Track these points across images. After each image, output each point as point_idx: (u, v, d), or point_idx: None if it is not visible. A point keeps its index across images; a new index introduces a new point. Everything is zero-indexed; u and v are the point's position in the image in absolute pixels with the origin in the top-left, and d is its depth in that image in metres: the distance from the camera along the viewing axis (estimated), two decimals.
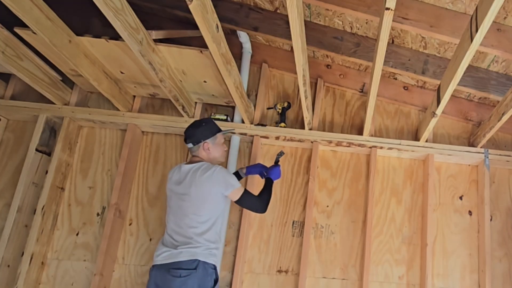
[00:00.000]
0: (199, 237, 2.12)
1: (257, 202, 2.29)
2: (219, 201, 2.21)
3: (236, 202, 2.25)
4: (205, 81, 2.66)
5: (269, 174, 2.48)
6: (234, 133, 2.81)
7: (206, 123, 2.33)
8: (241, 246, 2.66)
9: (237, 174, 2.55)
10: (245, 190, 2.26)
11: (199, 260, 2.08)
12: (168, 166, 2.91)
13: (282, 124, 2.85)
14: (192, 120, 2.84)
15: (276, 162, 2.58)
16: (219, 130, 2.36)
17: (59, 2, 2.35)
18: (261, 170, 2.55)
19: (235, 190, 2.20)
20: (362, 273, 2.65)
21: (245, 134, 2.84)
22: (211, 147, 2.30)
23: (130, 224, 2.82)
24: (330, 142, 2.83)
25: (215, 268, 2.16)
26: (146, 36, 2.16)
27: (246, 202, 2.25)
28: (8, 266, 2.60)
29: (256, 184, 2.77)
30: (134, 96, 3.00)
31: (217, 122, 2.43)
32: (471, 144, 2.90)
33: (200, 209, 2.16)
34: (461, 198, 2.87)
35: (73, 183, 2.89)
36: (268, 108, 2.99)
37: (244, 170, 2.58)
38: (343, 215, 2.83)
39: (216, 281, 2.14)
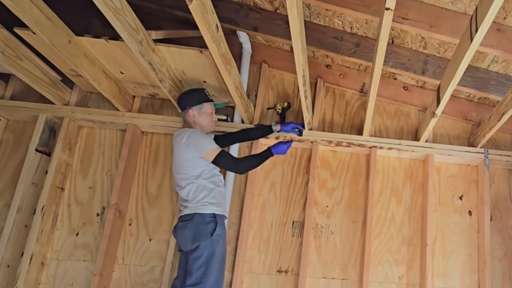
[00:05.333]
0: (191, 193, 2.27)
1: (233, 163, 2.37)
2: (196, 160, 2.29)
3: (212, 162, 2.30)
4: (205, 81, 2.66)
5: (273, 146, 2.52)
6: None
7: (195, 91, 2.45)
8: (241, 246, 2.66)
9: (269, 128, 2.69)
10: (222, 151, 2.31)
11: (196, 212, 2.25)
12: (168, 166, 2.91)
13: None
14: None
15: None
16: (208, 100, 2.44)
17: (59, 2, 2.35)
18: (293, 127, 2.73)
19: (207, 152, 2.28)
20: (362, 273, 2.65)
21: None
22: (197, 115, 2.40)
23: (130, 224, 2.81)
24: (330, 142, 2.83)
25: (214, 216, 2.26)
26: (146, 36, 2.16)
27: (221, 162, 2.32)
28: (8, 266, 2.60)
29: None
30: (134, 96, 3.00)
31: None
32: (471, 144, 2.90)
33: (183, 169, 2.31)
34: (461, 198, 2.87)
35: (73, 183, 2.89)
36: (268, 108, 2.98)
37: (278, 128, 2.71)
38: (343, 215, 2.83)
39: (215, 228, 2.22)
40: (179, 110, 2.46)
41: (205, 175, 2.30)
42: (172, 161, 2.42)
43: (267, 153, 2.48)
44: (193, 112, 2.40)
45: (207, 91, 2.49)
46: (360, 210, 2.83)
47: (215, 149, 2.30)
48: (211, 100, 2.48)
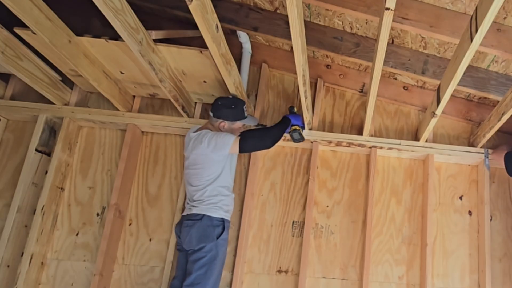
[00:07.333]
0: (206, 194, 2.31)
1: (258, 142, 2.39)
2: (219, 161, 2.34)
3: (240, 152, 2.35)
4: (205, 81, 2.66)
5: (290, 116, 2.61)
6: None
7: (235, 107, 2.45)
8: (241, 246, 2.66)
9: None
10: (241, 136, 2.35)
11: (205, 214, 2.28)
12: (168, 166, 2.91)
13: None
14: (191, 121, 2.86)
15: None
16: (242, 118, 2.48)
17: (59, 2, 2.35)
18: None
19: (231, 145, 2.31)
20: (362, 273, 2.65)
21: None
22: (226, 127, 2.44)
23: (130, 224, 2.81)
24: (330, 142, 2.83)
25: (223, 221, 2.31)
26: (146, 36, 2.16)
27: (247, 146, 2.35)
28: (8, 266, 2.60)
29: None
30: (134, 96, 3.00)
31: None
32: (471, 144, 2.90)
33: (201, 171, 2.33)
34: (461, 198, 2.87)
35: (73, 183, 2.89)
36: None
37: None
38: (343, 215, 2.83)
39: (221, 233, 2.27)
40: (211, 114, 2.45)
41: (224, 178, 2.35)
42: (186, 160, 2.42)
43: (286, 121, 2.54)
44: (224, 125, 2.44)
45: (245, 106, 2.51)
46: (360, 210, 2.83)
47: (236, 139, 2.33)
48: (246, 117, 2.52)
